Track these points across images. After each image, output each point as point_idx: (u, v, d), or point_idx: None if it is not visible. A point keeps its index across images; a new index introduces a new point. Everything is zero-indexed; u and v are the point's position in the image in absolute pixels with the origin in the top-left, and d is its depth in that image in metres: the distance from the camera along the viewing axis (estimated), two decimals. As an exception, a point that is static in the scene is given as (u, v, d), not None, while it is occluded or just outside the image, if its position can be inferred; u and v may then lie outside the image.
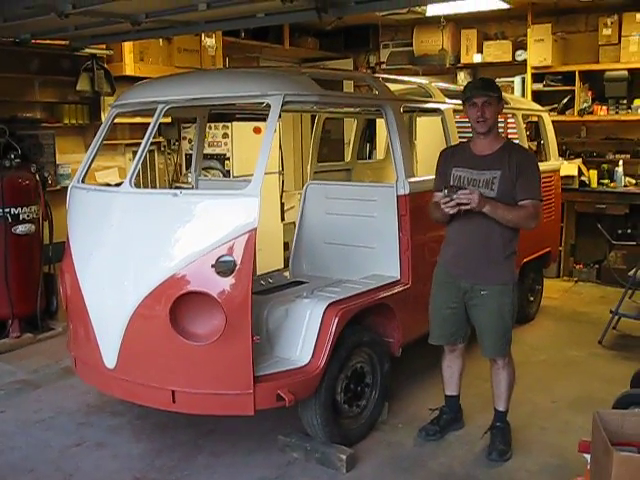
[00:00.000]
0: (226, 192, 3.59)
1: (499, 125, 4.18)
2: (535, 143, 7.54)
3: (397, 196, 4.29)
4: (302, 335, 3.77)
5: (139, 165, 3.79)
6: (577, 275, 8.16)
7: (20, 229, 5.86)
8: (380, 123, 7.62)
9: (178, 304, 3.44)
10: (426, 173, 5.02)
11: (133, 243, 3.68)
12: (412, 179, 4.35)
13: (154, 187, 7.54)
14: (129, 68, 6.85)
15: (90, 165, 4.37)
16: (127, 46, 6.80)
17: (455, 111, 5.03)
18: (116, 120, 4.41)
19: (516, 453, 4.02)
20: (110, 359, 3.71)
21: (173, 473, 3.83)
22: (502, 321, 3.90)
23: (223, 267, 3.37)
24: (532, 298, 6.56)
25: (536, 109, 6.82)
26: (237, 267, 3.37)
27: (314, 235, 4.78)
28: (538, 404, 4.69)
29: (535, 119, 7.03)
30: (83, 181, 4.28)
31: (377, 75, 4.64)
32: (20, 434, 4.34)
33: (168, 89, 4.02)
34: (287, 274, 4.88)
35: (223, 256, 3.37)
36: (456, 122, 5.08)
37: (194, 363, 3.51)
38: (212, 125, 7.25)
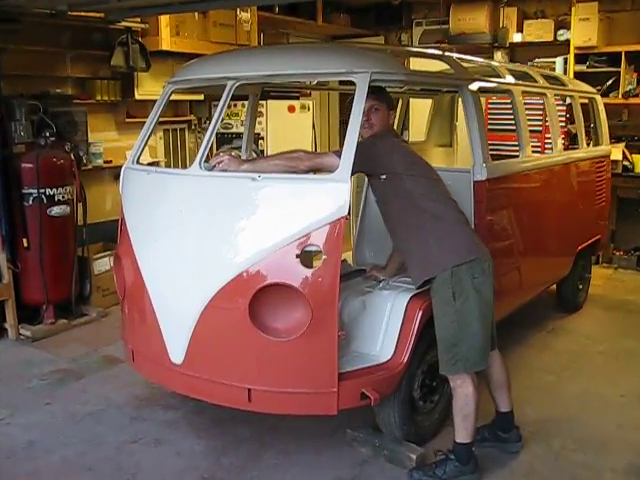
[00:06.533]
0: (313, 177, 3.32)
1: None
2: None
3: (473, 182, 4.03)
4: (383, 329, 3.56)
5: (209, 146, 3.53)
6: (617, 262, 7.95)
7: (55, 211, 5.62)
8: (414, 103, 7.37)
9: (258, 297, 3.19)
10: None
11: (206, 230, 3.42)
12: (489, 163, 4.09)
13: (184, 166, 7.24)
14: (165, 42, 6.55)
15: (146, 144, 4.12)
16: (163, 20, 6.51)
17: (523, 92, 4.79)
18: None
19: (594, 451, 3.85)
20: (177, 354, 3.47)
21: (242, 473, 3.63)
22: (438, 330, 3.44)
23: (309, 258, 3.13)
24: (581, 286, 6.37)
25: (589, 91, 6.53)
26: (324, 257, 3.12)
27: (378, 222, 4.51)
28: (607, 398, 4.53)
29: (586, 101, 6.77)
30: (138, 162, 4.04)
31: (450, 54, 4.35)
32: (71, 428, 4.13)
33: (239, 65, 3.71)
34: (350, 261, 4.64)
35: (309, 246, 3.12)
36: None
37: (273, 360, 3.28)
38: (244, 103, 6.92)
